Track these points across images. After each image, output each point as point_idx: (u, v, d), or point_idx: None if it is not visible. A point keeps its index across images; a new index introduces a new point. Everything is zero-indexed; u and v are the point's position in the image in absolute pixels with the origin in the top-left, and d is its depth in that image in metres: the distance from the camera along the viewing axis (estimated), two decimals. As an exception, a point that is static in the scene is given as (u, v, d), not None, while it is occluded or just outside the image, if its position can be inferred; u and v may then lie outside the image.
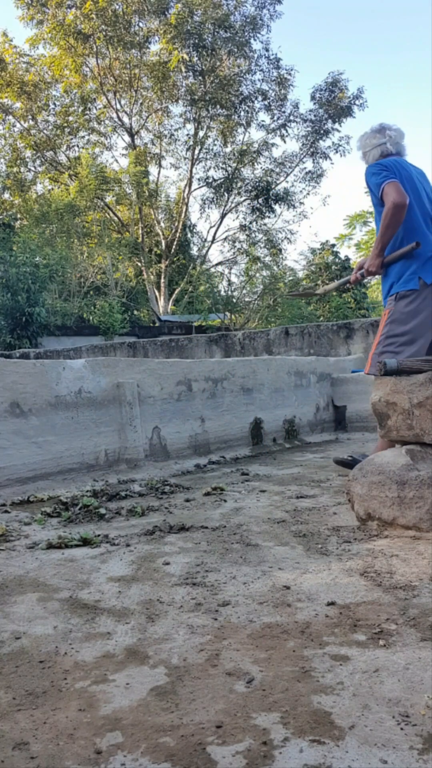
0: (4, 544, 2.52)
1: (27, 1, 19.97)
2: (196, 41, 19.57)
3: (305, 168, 22.58)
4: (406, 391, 2.52)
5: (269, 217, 22.72)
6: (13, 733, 1.20)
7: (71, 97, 21.98)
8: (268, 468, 4.38)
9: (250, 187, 22.28)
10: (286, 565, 2.11)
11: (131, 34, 20.16)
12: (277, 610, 1.72)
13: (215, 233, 23.73)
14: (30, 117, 22.03)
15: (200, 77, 20.40)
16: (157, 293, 22.17)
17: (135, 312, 19.78)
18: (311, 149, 22.14)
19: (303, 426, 5.91)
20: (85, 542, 2.48)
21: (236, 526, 2.68)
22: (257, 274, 22.08)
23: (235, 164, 22.13)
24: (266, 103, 21.53)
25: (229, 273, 22.67)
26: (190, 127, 22.15)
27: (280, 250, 23.23)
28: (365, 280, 23.46)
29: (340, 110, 21.05)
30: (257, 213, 22.57)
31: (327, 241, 25.02)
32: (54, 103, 22.41)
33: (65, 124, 22.40)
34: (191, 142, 22.06)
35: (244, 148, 22.20)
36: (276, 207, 22.44)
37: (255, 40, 20.58)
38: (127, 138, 22.76)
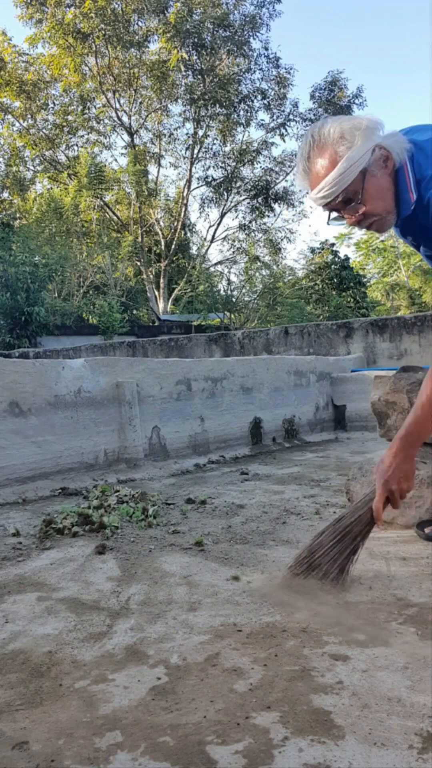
0: (3, 544, 2.52)
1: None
2: (196, 40, 19.55)
3: (305, 167, 22.58)
4: (405, 391, 2.52)
5: (269, 216, 22.74)
6: (12, 733, 1.20)
7: (70, 97, 21.96)
8: (268, 467, 4.38)
9: (249, 186, 22.28)
10: (286, 564, 2.11)
11: (130, 33, 20.14)
12: (276, 609, 1.72)
13: (215, 233, 23.76)
14: (29, 116, 22.02)
15: (199, 76, 20.38)
16: (156, 293, 22.16)
17: (134, 311, 19.76)
18: (311, 148, 22.13)
19: (302, 425, 5.91)
20: (85, 541, 2.47)
21: (236, 526, 2.68)
22: (257, 274, 22.09)
23: (234, 163, 22.13)
24: (266, 102, 21.52)
25: (229, 272, 22.69)
26: (190, 126, 22.15)
27: (280, 249, 23.24)
28: (366, 279, 23.40)
29: (340, 109, 21.03)
30: (257, 212, 22.58)
31: (327, 240, 25.08)
32: (53, 103, 22.41)
33: (64, 124, 22.39)
34: (190, 141, 22.06)
35: (244, 147, 22.20)
36: (275, 206, 22.45)
37: (254, 39, 20.57)
38: (126, 137, 22.75)
